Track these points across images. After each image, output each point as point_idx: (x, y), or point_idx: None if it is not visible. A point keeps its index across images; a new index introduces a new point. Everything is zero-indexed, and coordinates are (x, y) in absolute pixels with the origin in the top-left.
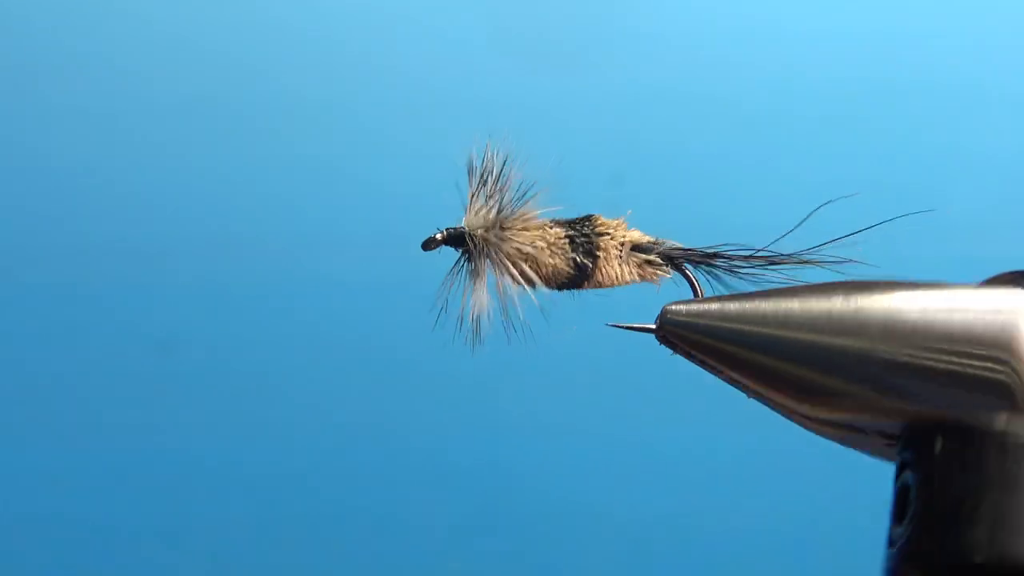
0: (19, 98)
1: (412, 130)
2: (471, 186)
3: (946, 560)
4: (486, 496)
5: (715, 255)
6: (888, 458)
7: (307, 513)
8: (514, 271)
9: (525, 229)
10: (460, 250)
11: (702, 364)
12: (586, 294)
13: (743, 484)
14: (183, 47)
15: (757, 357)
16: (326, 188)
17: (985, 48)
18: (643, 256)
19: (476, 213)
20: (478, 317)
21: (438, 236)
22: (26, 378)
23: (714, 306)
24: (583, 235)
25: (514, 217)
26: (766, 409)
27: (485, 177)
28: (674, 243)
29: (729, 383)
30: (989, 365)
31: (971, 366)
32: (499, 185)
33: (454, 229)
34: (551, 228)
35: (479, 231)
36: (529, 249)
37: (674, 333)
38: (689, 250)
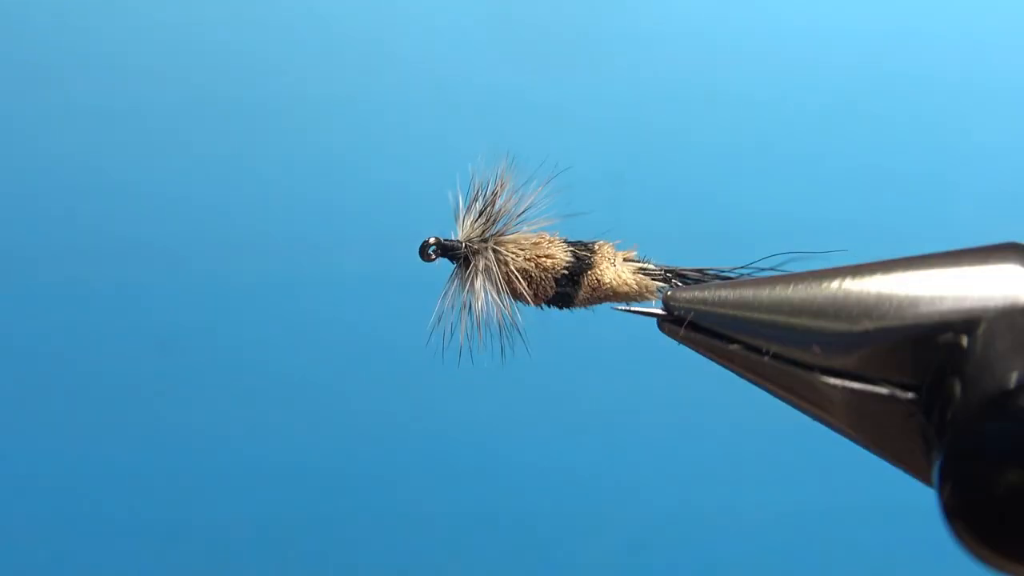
0: (19, 97)
1: (412, 130)
2: (468, 200)
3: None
4: (486, 496)
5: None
6: (906, 465)
7: (307, 513)
8: (505, 286)
9: (519, 245)
10: (454, 262)
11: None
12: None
13: (743, 484)
14: (183, 46)
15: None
16: (326, 187)
17: (984, 46)
18: (636, 264)
19: (471, 227)
20: (474, 324)
21: (431, 240)
22: (26, 378)
23: (720, 292)
24: (577, 258)
25: (508, 233)
26: (765, 409)
27: (482, 192)
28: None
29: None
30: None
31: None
32: (496, 200)
33: (448, 241)
34: (546, 247)
35: (472, 245)
36: (522, 264)
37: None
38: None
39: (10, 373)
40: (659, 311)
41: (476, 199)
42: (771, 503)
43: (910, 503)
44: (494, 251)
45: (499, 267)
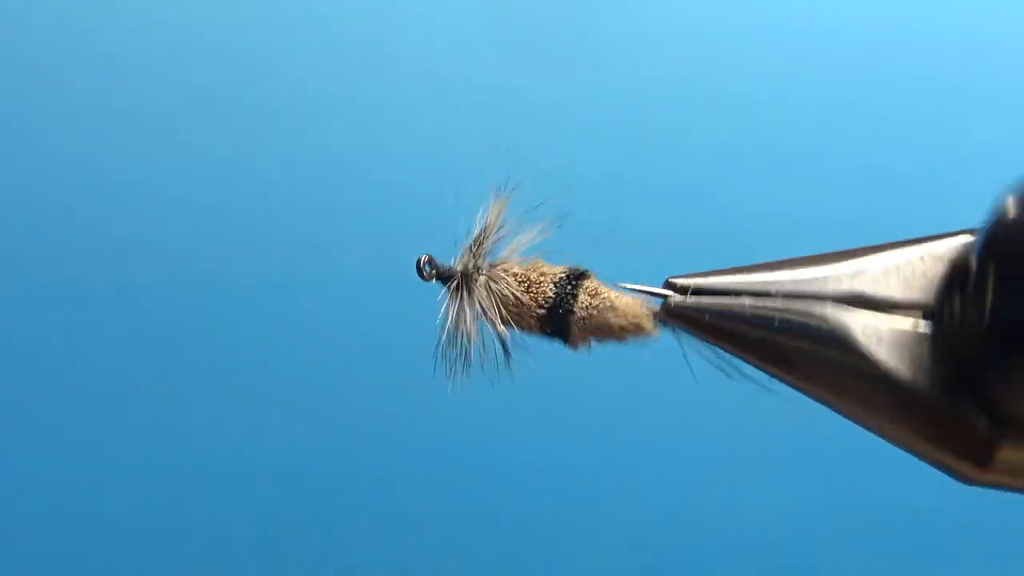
0: (19, 97)
1: (412, 130)
2: (469, 231)
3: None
4: (486, 496)
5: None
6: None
7: (307, 513)
8: (498, 314)
9: (514, 275)
10: (448, 287)
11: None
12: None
13: (743, 484)
14: (183, 46)
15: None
16: (326, 187)
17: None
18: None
19: (469, 256)
20: (468, 347)
21: (424, 259)
22: (26, 378)
23: (722, 278)
24: (567, 291)
25: (504, 262)
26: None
27: (480, 223)
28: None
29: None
30: None
31: None
32: (493, 230)
33: (444, 267)
34: (540, 279)
35: (467, 272)
36: (516, 294)
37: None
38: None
39: (10, 373)
40: (663, 291)
41: (474, 231)
42: (771, 503)
43: (910, 503)
44: (488, 278)
45: (492, 296)
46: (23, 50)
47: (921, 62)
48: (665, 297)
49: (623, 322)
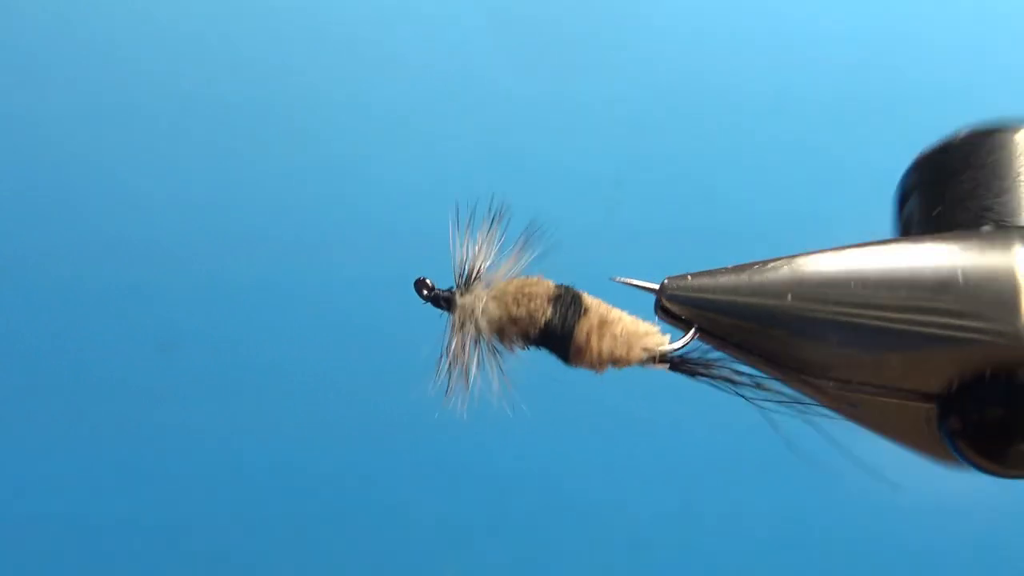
0: (19, 97)
1: (412, 130)
2: (461, 252)
3: None
4: (486, 496)
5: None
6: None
7: (307, 513)
8: (495, 337)
9: (510, 296)
10: (444, 311)
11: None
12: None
13: (743, 484)
14: (183, 46)
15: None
16: (326, 187)
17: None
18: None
19: (462, 287)
20: (465, 370)
21: (422, 282)
22: (26, 378)
23: (720, 278)
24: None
25: (500, 283)
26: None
27: (472, 248)
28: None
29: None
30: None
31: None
32: (489, 250)
33: (443, 292)
34: (537, 301)
35: (464, 299)
36: (514, 312)
37: (674, 299)
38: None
39: (10, 373)
40: (652, 285)
41: (472, 247)
42: (771, 503)
43: (910, 503)
44: (483, 305)
45: (487, 321)
46: (23, 50)
47: (921, 62)
48: (656, 292)
49: (624, 347)
